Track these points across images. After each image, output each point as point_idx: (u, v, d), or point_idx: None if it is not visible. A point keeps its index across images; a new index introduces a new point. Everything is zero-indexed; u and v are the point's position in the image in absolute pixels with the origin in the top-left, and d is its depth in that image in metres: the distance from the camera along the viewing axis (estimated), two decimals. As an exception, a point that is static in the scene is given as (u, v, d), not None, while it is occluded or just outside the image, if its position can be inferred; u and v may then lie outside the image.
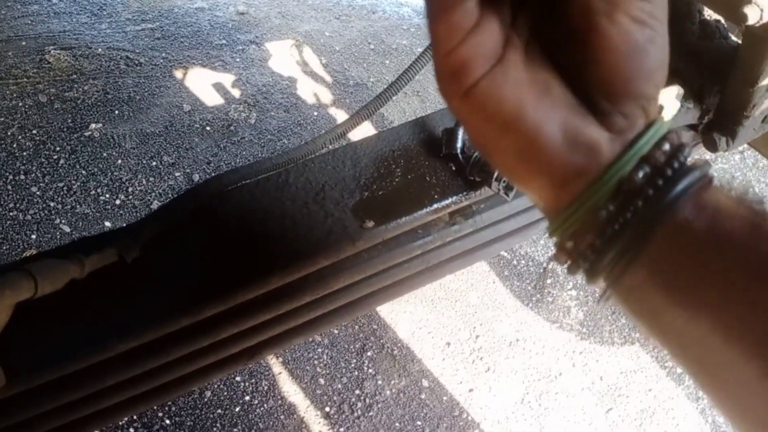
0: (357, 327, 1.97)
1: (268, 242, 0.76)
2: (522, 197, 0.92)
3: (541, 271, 2.23)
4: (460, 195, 0.84)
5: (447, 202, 0.83)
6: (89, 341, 0.65)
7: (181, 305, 0.69)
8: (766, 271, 0.33)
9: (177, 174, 2.29)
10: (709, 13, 1.13)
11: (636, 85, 0.36)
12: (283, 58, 2.91)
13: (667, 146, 0.36)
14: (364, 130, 2.57)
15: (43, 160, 2.26)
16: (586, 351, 2.03)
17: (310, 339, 1.93)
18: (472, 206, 0.90)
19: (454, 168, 0.87)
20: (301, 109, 2.67)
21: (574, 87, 0.37)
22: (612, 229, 0.36)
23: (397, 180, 0.85)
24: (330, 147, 0.87)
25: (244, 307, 0.75)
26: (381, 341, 1.97)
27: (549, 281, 2.20)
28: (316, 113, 2.67)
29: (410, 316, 2.04)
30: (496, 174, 0.82)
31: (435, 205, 0.83)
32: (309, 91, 2.77)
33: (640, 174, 0.36)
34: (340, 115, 2.69)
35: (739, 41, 1.07)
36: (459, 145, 0.87)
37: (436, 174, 0.86)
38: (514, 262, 2.23)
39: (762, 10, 0.86)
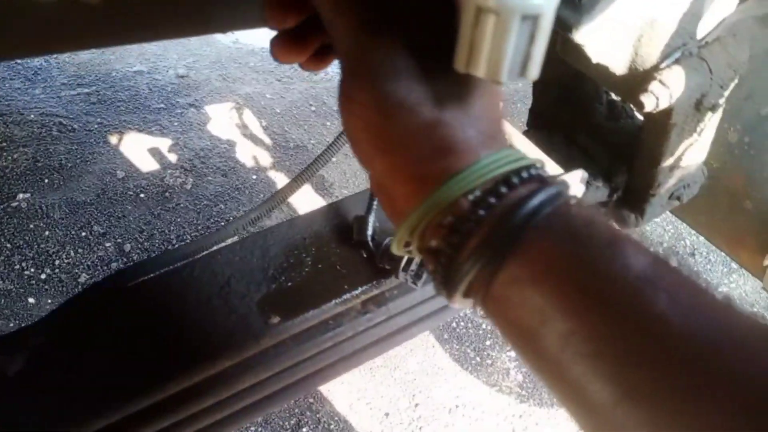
0: (292, 402, 1.92)
1: (168, 345, 0.73)
2: (435, 282, 0.92)
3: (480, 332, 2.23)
4: (371, 284, 0.83)
5: (357, 292, 0.82)
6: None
7: (69, 419, 0.66)
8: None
9: (108, 244, 2.23)
10: (616, 93, 1.18)
11: None
12: (222, 121, 2.90)
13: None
14: (306, 195, 2.56)
15: (-35, 234, 2.17)
16: (525, 414, 2.02)
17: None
18: (384, 293, 0.89)
19: (365, 255, 0.86)
20: (239, 173, 2.65)
21: None
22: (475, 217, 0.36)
23: (306, 270, 0.84)
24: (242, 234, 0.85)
25: (140, 416, 0.71)
26: (317, 415, 1.91)
27: (488, 342, 2.19)
28: (254, 177, 2.65)
29: (348, 387, 1.99)
30: (403, 263, 0.81)
31: (345, 296, 0.82)
32: (248, 154, 2.76)
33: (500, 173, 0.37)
34: (279, 178, 2.67)
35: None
36: (369, 232, 0.86)
37: (347, 263, 0.85)
38: (453, 324, 2.23)
39: (658, 99, 0.89)
